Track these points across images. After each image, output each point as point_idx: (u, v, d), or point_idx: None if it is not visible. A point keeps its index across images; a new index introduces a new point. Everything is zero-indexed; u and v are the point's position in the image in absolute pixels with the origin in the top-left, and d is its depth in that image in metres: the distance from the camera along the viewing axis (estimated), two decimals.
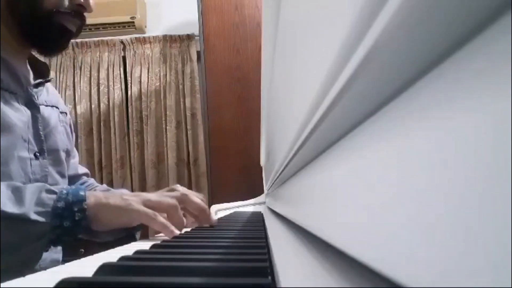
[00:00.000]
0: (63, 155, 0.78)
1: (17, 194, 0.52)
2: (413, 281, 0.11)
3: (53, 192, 0.55)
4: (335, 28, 0.17)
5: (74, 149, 0.90)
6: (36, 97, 0.71)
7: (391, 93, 0.15)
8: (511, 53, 0.08)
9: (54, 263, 0.71)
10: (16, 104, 0.66)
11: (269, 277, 0.24)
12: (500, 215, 0.08)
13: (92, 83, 2.50)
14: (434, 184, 0.11)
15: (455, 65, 0.11)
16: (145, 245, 0.45)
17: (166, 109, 2.44)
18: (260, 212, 1.09)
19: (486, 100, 0.09)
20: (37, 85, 0.74)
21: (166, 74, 2.48)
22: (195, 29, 2.27)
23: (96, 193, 0.58)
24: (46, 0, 0.66)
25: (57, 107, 0.80)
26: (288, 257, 0.29)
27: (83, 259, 0.37)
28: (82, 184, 0.91)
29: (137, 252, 0.36)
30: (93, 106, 2.48)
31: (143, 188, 2.43)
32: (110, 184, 2.41)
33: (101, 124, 2.47)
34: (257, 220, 0.80)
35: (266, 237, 0.46)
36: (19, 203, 0.51)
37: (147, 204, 0.58)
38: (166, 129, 2.43)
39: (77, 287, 0.23)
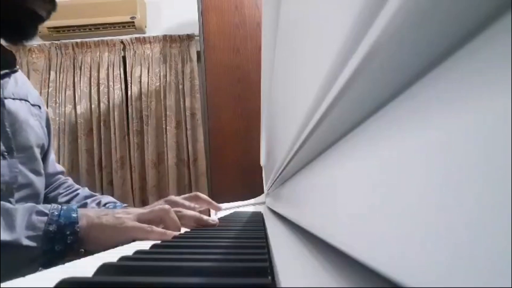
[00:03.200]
0: (37, 151, 0.73)
1: (7, 218, 0.50)
2: (413, 281, 0.11)
3: (44, 214, 0.53)
4: (335, 28, 0.17)
5: (51, 145, 0.86)
6: (0, 90, 0.66)
7: (391, 93, 0.15)
8: (511, 53, 0.08)
9: None
10: None
11: (269, 277, 0.24)
12: (500, 215, 0.08)
13: (92, 83, 2.50)
14: (434, 184, 0.11)
15: (455, 65, 0.11)
16: (145, 245, 0.45)
17: (166, 109, 2.44)
18: (260, 212, 1.09)
19: (486, 100, 0.09)
20: (1, 77, 0.68)
21: (166, 74, 2.48)
22: (195, 29, 2.28)
23: (88, 212, 0.57)
24: None
25: (26, 100, 0.74)
26: (288, 257, 0.29)
27: (83, 259, 0.37)
28: (60, 185, 0.88)
29: (137, 252, 0.36)
30: (93, 106, 2.48)
31: (143, 188, 2.43)
32: (110, 184, 2.41)
33: (101, 124, 2.47)
34: (257, 220, 0.80)
35: (266, 237, 0.46)
36: (10, 228, 0.49)
37: (141, 218, 0.57)
38: (166, 129, 2.43)
39: (77, 287, 0.23)
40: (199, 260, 0.32)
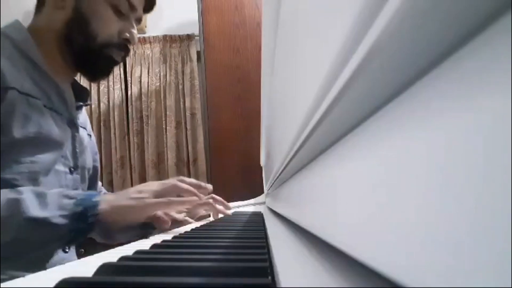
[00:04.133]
0: (87, 173, 0.84)
1: (41, 199, 0.58)
2: (413, 281, 0.11)
3: (71, 198, 0.61)
4: (335, 28, 0.17)
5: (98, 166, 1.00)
6: (76, 118, 0.80)
7: (391, 93, 0.15)
8: (511, 53, 0.08)
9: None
10: (61, 124, 0.73)
11: (269, 277, 0.24)
12: (500, 215, 0.08)
13: (92, 83, 2.50)
14: (434, 184, 0.11)
15: (455, 65, 0.11)
16: (145, 245, 0.45)
17: (166, 109, 2.44)
18: (260, 212, 1.09)
19: (486, 100, 0.09)
20: (77, 108, 0.81)
21: (166, 74, 2.48)
22: (195, 29, 2.28)
23: (109, 196, 0.65)
24: (100, 36, 0.75)
25: (85, 129, 0.87)
26: (288, 257, 0.29)
27: (83, 259, 0.37)
28: None
29: (137, 252, 0.36)
30: (93, 106, 2.48)
31: None
32: (110, 184, 2.41)
33: (101, 124, 2.47)
34: (257, 220, 0.80)
35: (266, 237, 0.46)
36: (43, 207, 0.57)
37: (157, 195, 0.64)
38: (166, 129, 2.43)
39: (77, 287, 0.23)
40: (199, 260, 0.32)
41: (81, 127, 0.82)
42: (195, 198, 0.67)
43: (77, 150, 0.78)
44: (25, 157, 0.64)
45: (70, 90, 0.80)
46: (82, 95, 0.84)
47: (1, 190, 0.57)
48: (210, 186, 0.83)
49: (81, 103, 0.84)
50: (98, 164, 0.95)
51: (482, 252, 0.08)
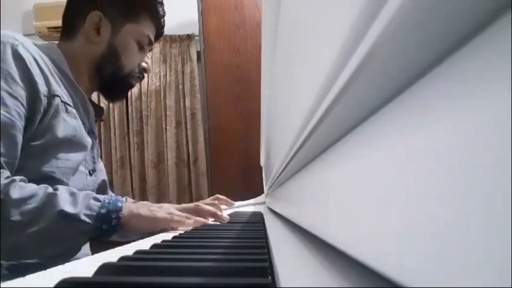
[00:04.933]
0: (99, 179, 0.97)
1: (73, 198, 0.67)
2: (413, 281, 0.11)
3: (99, 200, 0.69)
4: (335, 28, 0.17)
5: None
6: (95, 129, 0.93)
7: (391, 93, 0.15)
8: (511, 53, 0.08)
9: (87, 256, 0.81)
10: (85, 132, 0.84)
11: (269, 277, 0.24)
12: (500, 215, 0.08)
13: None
14: (433, 184, 0.11)
15: (455, 65, 0.11)
16: (145, 245, 0.45)
17: (166, 109, 2.44)
18: (260, 212, 1.09)
19: (486, 100, 0.09)
20: (95, 121, 0.95)
21: (166, 74, 2.48)
22: (195, 29, 2.27)
23: (131, 205, 0.73)
24: (126, 67, 0.90)
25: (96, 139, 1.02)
26: (288, 257, 0.29)
27: (83, 259, 0.37)
28: None
29: (137, 252, 0.36)
30: None
31: (143, 188, 2.43)
32: (110, 184, 2.41)
33: (101, 124, 2.47)
34: (257, 220, 0.80)
35: (266, 237, 0.46)
36: (74, 205, 0.66)
37: (169, 213, 0.73)
38: (166, 129, 2.43)
39: (77, 287, 0.23)
40: (199, 260, 0.32)
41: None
42: (204, 220, 0.73)
43: (95, 156, 0.90)
44: (62, 154, 0.75)
45: (90, 105, 0.91)
46: (97, 111, 0.97)
47: (44, 185, 0.66)
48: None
49: (96, 118, 0.96)
50: (106, 178, 1.05)
51: (482, 252, 0.08)
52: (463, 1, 0.09)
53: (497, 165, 0.08)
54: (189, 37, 2.47)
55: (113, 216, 0.68)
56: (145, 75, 1.00)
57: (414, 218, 0.12)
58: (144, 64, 0.95)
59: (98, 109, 0.97)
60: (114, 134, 2.45)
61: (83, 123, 0.84)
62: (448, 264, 0.09)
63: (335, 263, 0.22)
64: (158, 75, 2.49)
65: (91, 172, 0.87)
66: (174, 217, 0.71)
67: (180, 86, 2.46)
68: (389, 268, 0.13)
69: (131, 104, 2.47)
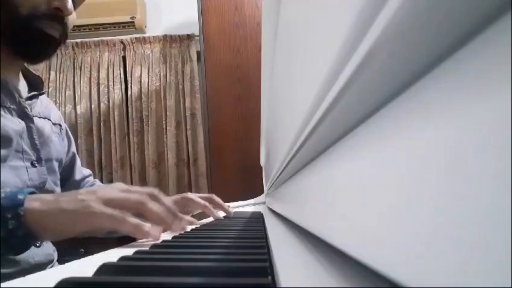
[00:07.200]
0: (56, 164, 0.79)
1: None
2: (413, 281, 0.11)
3: None
4: (335, 28, 0.17)
5: (76, 153, 0.94)
6: (29, 109, 0.73)
7: (391, 93, 0.15)
8: (511, 53, 0.08)
9: (48, 256, 0.73)
10: (9, 117, 0.67)
11: (269, 277, 0.24)
12: (500, 215, 0.08)
13: (92, 83, 2.50)
14: (433, 184, 0.11)
15: (455, 65, 0.11)
16: (145, 245, 0.45)
17: (166, 109, 2.44)
18: (260, 212, 1.09)
19: (486, 100, 0.09)
20: (30, 98, 0.75)
21: (166, 74, 2.48)
22: (195, 29, 2.27)
23: (46, 196, 0.49)
24: (21, 6, 0.65)
25: (49, 119, 0.81)
26: (288, 257, 0.29)
27: (83, 259, 0.37)
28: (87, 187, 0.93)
29: (137, 252, 0.36)
30: (93, 106, 2.48)
31: None
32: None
33: (101, 124, 2.47)
34: (257, 220, 0.80)
35: (266, 237, 0.46)
36: None
37: (111, 202, 0.48)
38: (166, 129, 2.43)
39: (77, 287, 0.23)
40: (199, 260, 0.32)
41: (39, 117, 0.77)
42: (155, 233, 0.48)
43: (37, 142, 0.72)
44: None
45: (17, 80, 0.74)
46: (36, 84, 0.79)
47: None
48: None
49: (36, 92, 0.77)
50: (74, 152, 0.89)
51: (482, 251, 0.08)
52: (463, 1, 0.09)
53: (497, 165, 0.08)
54: (189, 37, 2.47)
55: (9, 216, 0.45)
56: (69, 18, 0.71)
57: (414, 218, 0.12)
58: (55, 2, 0.68)
59: (33, 81, 0.79)
60: (114, 134, 2.45)
61: (6, 107, 0.66)
62: (448, 264, 0.09)
63: (335, 263, 0.22)
64: (158, 75, 2.49)
65: (35, 162, 0.70)
66: (126, 218, 0.46)
67: (180, 86, 2.46)
68: (389, 268, 0.13)
69: (131, 104, 2.48)
